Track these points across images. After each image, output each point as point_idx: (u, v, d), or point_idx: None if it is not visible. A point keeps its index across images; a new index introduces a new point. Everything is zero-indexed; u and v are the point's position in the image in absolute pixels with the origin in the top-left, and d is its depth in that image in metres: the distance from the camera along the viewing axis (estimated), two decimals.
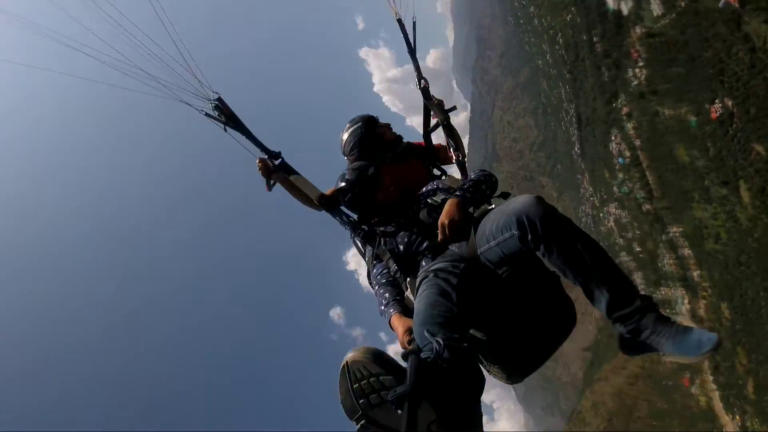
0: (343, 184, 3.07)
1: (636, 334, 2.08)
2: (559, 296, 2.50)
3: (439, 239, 2.60)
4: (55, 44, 3.12)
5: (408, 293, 2.72)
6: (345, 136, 3.55)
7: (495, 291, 2.40)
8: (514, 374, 2.47)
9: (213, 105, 3.27)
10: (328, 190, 3.33)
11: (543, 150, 73.41)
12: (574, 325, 2.55)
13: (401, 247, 2.81)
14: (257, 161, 3.35)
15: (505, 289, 2.41)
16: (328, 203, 3.21)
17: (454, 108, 3.68)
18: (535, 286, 2.45)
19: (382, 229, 2.96)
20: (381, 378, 1.62)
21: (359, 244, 3.14)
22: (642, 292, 2.13)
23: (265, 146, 3.30)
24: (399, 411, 1.47)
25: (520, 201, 2.27)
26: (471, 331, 2.39)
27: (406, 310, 2.55)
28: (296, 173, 3.31)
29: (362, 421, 1.65)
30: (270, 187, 3.38)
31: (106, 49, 3.12)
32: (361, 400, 1.63)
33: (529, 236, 2.17)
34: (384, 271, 2.83)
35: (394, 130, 3.65)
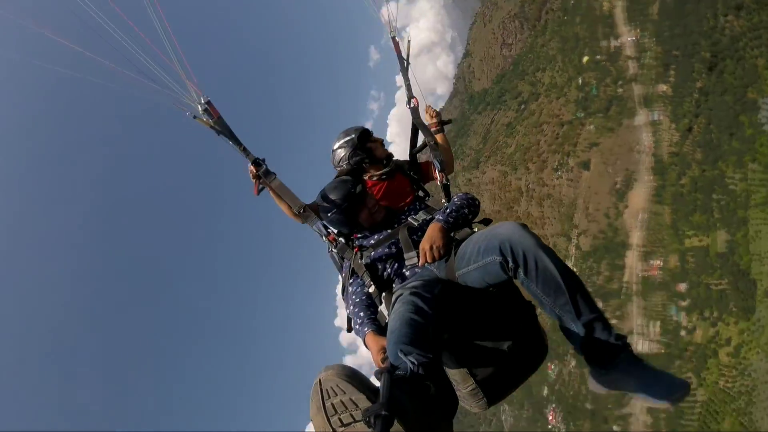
0: (328, 201, 3.07)
1: (607, 372, 2.07)
2: (532, 326, 2.50)
3: (419, 263, 2.62)
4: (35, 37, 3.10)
5: (382, 308, 2.73)
6: (336, 146, 3.58)
7: (469, 313, 2.41)
8: (481, 398, 2.43)
9: (203, 108, 3.30)
10: (311, 202, 3.33)
11: None
12: (545, 356, 2.56)
13: (378, 264, 2.83)
14: (249, 165, 3.35)
15: (480, 312, 2.42)
16: (308, 215, 3.22)
17: (449, 121, 3.76)
18: (511, 312, 2.45)
19: (359, 243, 2.98)
20: (353, 396, 1.59)
21: (335, 258, 3.13)
22: (617, 332, 2.13)
23: (250, 152, 3.31)
24: (371, 430, 1.46)
25: (503, 227, 2.30)
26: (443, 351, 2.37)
27: (380, 329, 2.55)
28: (278, 180, 3.33)
29: None
30: (258, 192, 3.39)
31: (97, 46, 3.15)
32: (333, 418, 1.61)
33: (510, 263, 2.19)
34: (359, 289, 2.82)
35: (385, 147, 3.66)
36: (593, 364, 2.12)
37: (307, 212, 3.21)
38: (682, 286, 54.84)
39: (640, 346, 55.33)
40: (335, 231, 3.19)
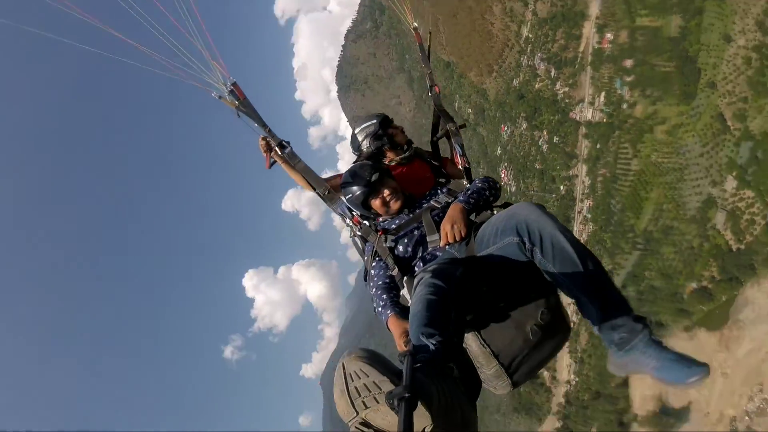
0: (346, 186, 3.10)
1: (626, 354, 2.07)
2: (554, 306, 2.49)
3: (441, 244, 2.64)
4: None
5: (404, 292, 2.75)
6: (357, 130, 3.64)
7: (491, 295, 2.43)
8: (505, 379, 2.43)
9: (228, 90, 3.27)
10: (330, 182, 3.37)
11: None
12: (568, 336, 2.59)
13: (401, 246, 2.85)
14: (260, 139, 3.37)
15: (502, 293, 2.44)
16: (333, 197, 3.22)
17: (464, 125, 3.77)
18: (532, 293, 2.46)
19: (383, 226, 2.99)
20: (377, 379, 1.57)
21: (358, 243, 3.18)
22: (637, 313, 2.12)
23: (275, 134, 3.32)
24: (395, 412, 1.45)
25: (521, 208, 2.32)
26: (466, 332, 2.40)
27: (403, 312, 2.54)
28: (303, 163, 3.33)
29: (357, 423, 1.61)
30: (270, 165, 3.42)
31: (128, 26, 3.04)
32: (357, 401, 1.59)
33: (528, 243, 2.21)
34: (381, 272, 2.83)
35: (405, 134, 3.72)
36: (612, 345, 2.11)
37: (332, 194, 3.22)
38: (629, 62, 55.87)
39: (589, 114, 59.02)
40: (359, 213, 3.17)
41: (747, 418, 33.06)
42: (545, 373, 51.49)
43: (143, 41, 3.12)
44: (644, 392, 39.64)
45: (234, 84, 3.29)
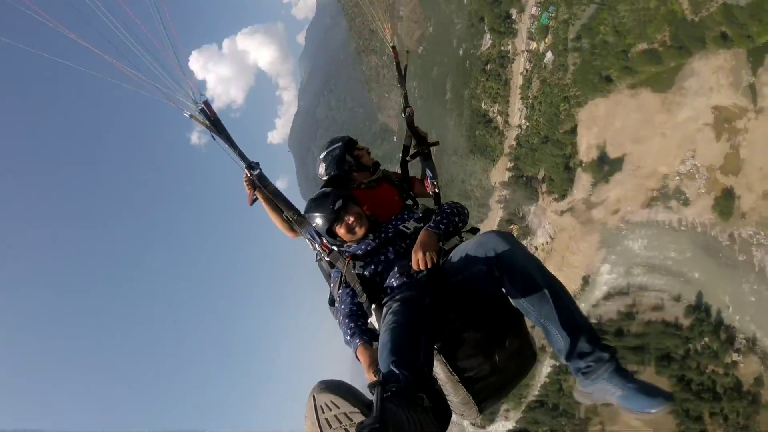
0: (309, 214, 3.09)
1: (592, 383, 2.09)
2: (521, 333, 2.53)
3: (413, 269, 2.63)
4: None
5: (372, 319, 2.72)
6: (323, 155, 3.60)
7: (459, 322, 2.43)
8: (472, 406, 2.45)
9: (199, 108, 3.18)
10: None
11: None
12: (534, 363, 2.62)
13: (368, 273, 2.83)
14: (244, 174, 3.33)
15: (470, 321, 2.44)
16: (301, 221, 3.18)
17: (437, 143, 3.72)
18: (500, 320, 2.48)
19: (351, 251, 2.97)
20: (347, 410, 1.57)
21: (324, 267, 3.18)
22: (603, 342, 2.13)
23: (245, 155, 3.25)
24: None
25: (490, 237, 2.34)
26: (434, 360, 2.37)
27: (371, 340, 2.57)
28: (273, 186, 3.30)
29: None
30: (252, 202, 3.39)
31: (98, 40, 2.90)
32: None
33: (497, 272, 2.24)
34: (348, 299, 2.81)
35: (371, 156, 3.66)
36: (579, 373, 2.13)
37: (300, 219, 3.17)
38: None
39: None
40: (327, 240, 3.12)
41: (678, 177, 36.78)
42: (498, 118, 54.99)
43: (110, 53, 2.94)
44: (590, 141, 43.08)
45: (205, 102, 3.23)
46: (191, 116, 3.20)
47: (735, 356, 28.52)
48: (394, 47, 3.81)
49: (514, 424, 44.70)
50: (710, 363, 29.06)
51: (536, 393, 42.45)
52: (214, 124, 3.19)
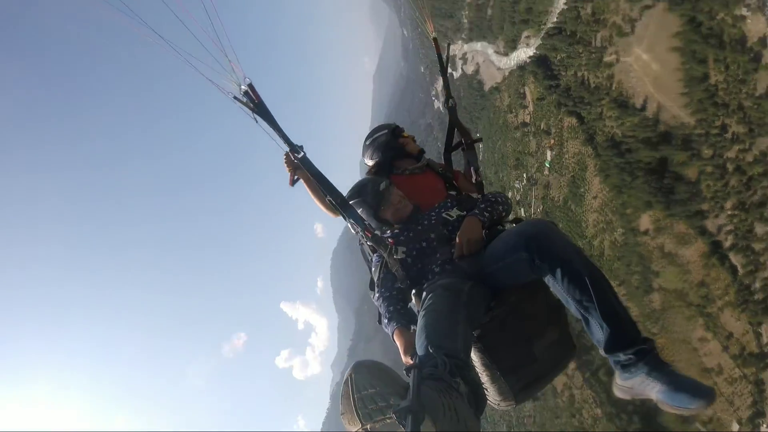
0: (355, 198, 3.08)
1: (631, 376, 2.05)
2: (561, 325, 2.50)
3: (456, 255, 2.62)
4: None
5: (412, 304, 2.72)
6: (368, 141, 3.58)
7: (499, 311, 2.42)
8: (509, 396, 2.42)
9: (243, 91, 2.98)
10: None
11: None
12: (573, 356, 2.57)
13: (411, 258, 2.81)
14: (284, 155, 3.26)
15: (509, 310, 2.43)
16: (345, 206, 3.06)
17: (480, 139, 3.77)
18: (539, 311, 2.46)
19: (394, 237, 2.94)
20: (384, 392, 1.58)
21: (366, 251, 3.18)
22: (644, 335, 2.09)
23: (289, 139, 3.11)
24: (402, 426, 1.43)
25: (532, 225, 2.32)
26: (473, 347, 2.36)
27: (409, 324, 2.58)
28: (317, 169, 3.15)
29: None
30: (293, 183, 3.34)
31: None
32: (363, 413, 1.58)
33: (537, 260, 2.19)
34: (389, 284, 2.82)
35: (417, 143, 3.61)
36: (618, 366, 2.10)
37: (344, 203, 3.05)
38: None
39: None
40: (371, 224, 3.08)
41: None
42: None
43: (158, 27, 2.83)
44: None
45: (249, 85, 3.01)
46: (235, 98, 3.04)
47: (744, 11, 28.24)
48: (435, 38, 3.71)
49: (535, 50, 43.49)
50: (721, 10, 28.57)
51: (554, 20, 40.67)
52: (259, 107, 3.04)
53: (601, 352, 2.15)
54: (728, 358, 28.69)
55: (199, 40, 2.85)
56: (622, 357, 2.08)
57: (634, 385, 2.07)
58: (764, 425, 26.78)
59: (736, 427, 27.37)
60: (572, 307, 2.20)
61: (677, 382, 1.93)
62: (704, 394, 1.87)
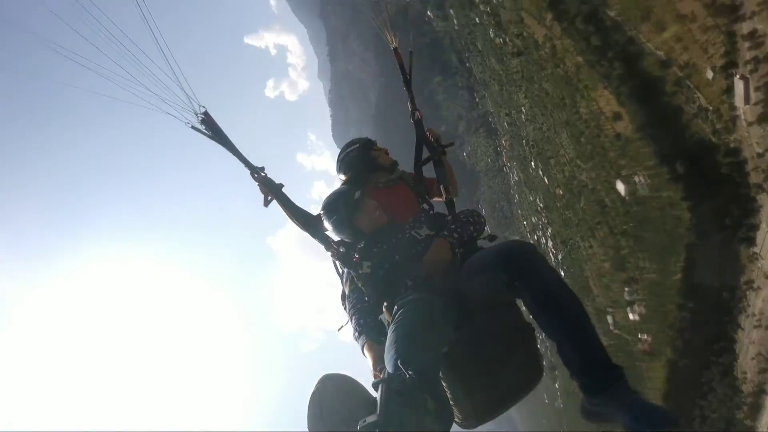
0: (328, 208, 3.03)
1: (599, 402, 2.05)
2: (530, 347, 2.47)
3: (424, 275, 2.59)
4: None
5: (383, 317, 2.65)
6: (341, 155, 3.58)
7: (469, 329, 2.40)
8: (471, 416, 2.40)
9: (200, 119, 3.02)
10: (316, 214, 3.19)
11: None
12: (539, 379, 2.55)
13: (383, 271, 2.76)
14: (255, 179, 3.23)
15: (480, 329, 2.42)
16: (313, 225, 3.06)
17: (452, 143, 3.52)
18: (510, 332, 2.44)
19: (364, 252, 2.89)
20: (351, 407, 1.57)
21: (337, 266, 3.15)
22: (614, 362, 2.09)
23: (249, 162, 3.17)
24: None
25: (509, 245, 2.27)
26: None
27: (379, 338, 2.55)
28: (280, 191, 3.16)
29: None
30: (267, 203, 3.32)
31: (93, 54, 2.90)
32: (330, 428, 1.56)
33: (515, 281, 2.16)
34: (358, 297, 2.82)
35: (390, 156, 3.56)
36: (586, 391, 2.10)
37: (309, 222, 3.05)
38: None
39: None
40: (338, 240, 3.07)
41: None
42: None
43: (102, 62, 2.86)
44: None
45: (205, 112, 3.05)
46: (193, 127, 3.08)
47: None
48: (395, 48, 3.56)
49: None
50: None
51: None
52: (217, 134, 3.12)
53: (571, 375, 2.15)
54: (701, 7, 28.43)
55: (151, 71, 2.83)
56: (590, 381, 2.07)
57: (602, 411, 2.07)
58: (737, 75, 27.44)
59: (710, 74, 28.81)
60: (545, 330, 2.18)
61: (644, 410, 1.93)
62: (670, 421, 1.90)
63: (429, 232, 2.87)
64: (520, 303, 2.45)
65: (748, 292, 30.17)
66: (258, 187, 3.29)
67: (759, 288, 29.56)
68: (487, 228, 3.07)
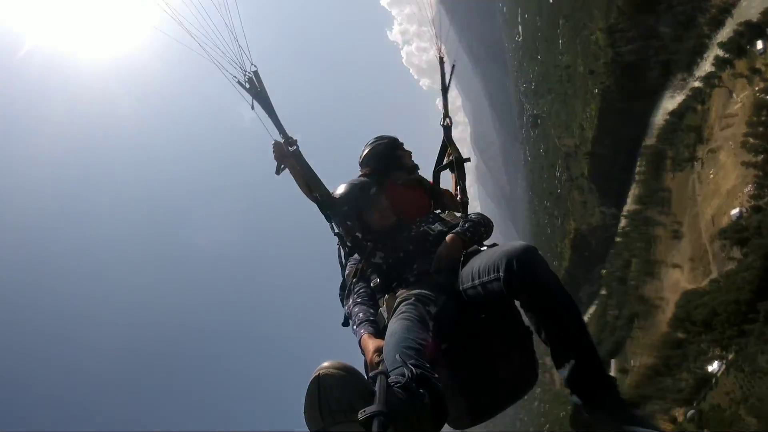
0: (344, 195, 3.04)
1: (591, 410, 2.04)
2: (527, 351, 2.49)
3: (433, 269, 2.63)
4: None
5: (383, 310, 2.67)
6: (366, 148, 3.63)
7: (468, 329, 2.42)
8: (463, 416, 2.42)
9: (247, 77, 3.11)
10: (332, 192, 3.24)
11: None
12: (534, 384, 2.56)
13: (386, 265, 2.80)
14: (273, 143, 3.28)
15: (478, 330, 2.43)
16: (330, 205, 3.09)
17: (468, 159, 3.65)
18: (508, 334, 2.45)
19: (375, 242, 2.94)
20: (350, 396, 1.55)
21: (341, 254, 3.15)
22: (607, 372, 2.10)
23: (285, 131, 3.20)
24: (363, 430, 1.43)
25: (513, 246, 2.28)
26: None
27: (377, 331, 2.55)
28: (307, 164, 3.24)
29: None
30: (279, 171, 3.34)
31: None
32: (326, 415, 1.54)
33: (514, 282, 2.16)
34: (362, 289, 2.81)
35: (413, 160, 3.64)
36: (580, 400, 2.10)
37: (330, 201, 3.07)
38: None
39: None
40: (352, 225, 3.07)
41: None
42: None
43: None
44: None
45: (254, 72, 3.18)
46: (238, 82, 3.17)
47: None
48: (441, 58, 3.74)
49: None
50: None
51: None
52: (260, 95, 3.18)
53: (564, 382, 2.17)
54: None
55: (209, 23, 2.96)
56: (583, 389, 2.09)
57: (594, 419, 2.07)
58: None
59: None
60: (541, 334, 2.20)
61: (636, 422, 1.93)
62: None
63: (442, 228, 2.91)
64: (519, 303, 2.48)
65: None
66: (274, 154, 3.29)
67: None
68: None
